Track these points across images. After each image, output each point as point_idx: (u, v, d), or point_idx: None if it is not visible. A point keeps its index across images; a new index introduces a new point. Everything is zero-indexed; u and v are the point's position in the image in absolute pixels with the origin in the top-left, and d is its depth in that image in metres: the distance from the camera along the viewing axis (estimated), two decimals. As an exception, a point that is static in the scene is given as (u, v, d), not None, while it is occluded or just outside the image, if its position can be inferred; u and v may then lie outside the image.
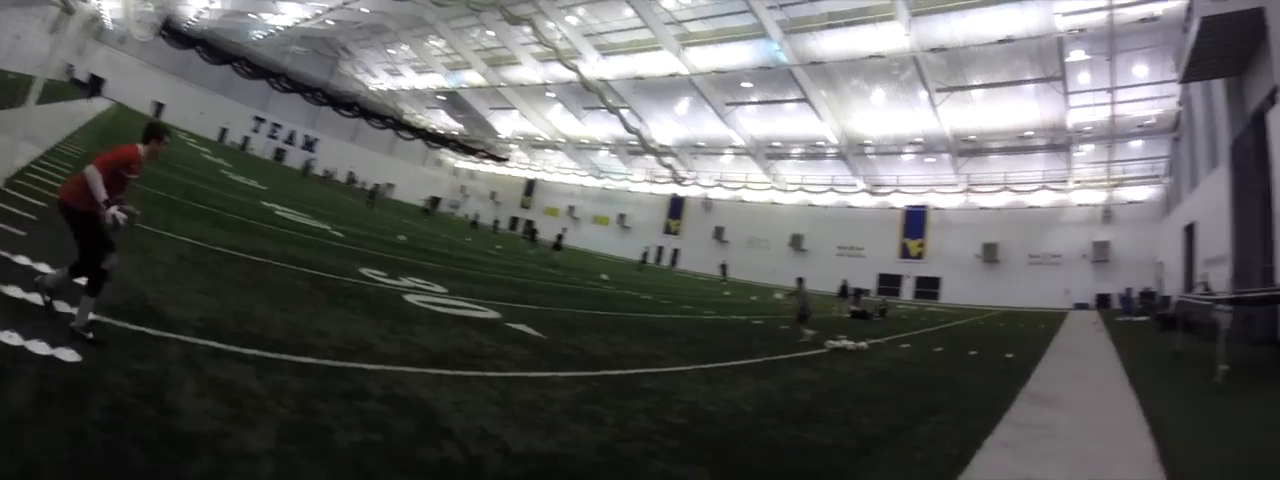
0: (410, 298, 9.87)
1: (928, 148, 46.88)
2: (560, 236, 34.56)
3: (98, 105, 38.83)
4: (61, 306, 4.70)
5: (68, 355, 3.98)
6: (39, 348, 3.95)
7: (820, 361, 11.58)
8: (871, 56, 40.59)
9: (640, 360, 8.90)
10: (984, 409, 8.04)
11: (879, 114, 45.83)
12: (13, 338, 3.96)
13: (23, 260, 5.57)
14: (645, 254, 52.94)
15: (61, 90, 34.22)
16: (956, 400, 8.87)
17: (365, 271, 11.49)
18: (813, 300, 15.93)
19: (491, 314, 10.19)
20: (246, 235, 11.90)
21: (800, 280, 15.24)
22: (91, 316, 4.46)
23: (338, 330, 6.64)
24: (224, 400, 4.03)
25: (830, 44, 41.66)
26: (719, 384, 8.16)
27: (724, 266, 46.90)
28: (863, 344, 13.97)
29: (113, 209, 4.52)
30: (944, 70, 39.87)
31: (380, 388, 5.12)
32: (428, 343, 7.10)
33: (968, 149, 45.53)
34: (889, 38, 38.82)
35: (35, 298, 4.79)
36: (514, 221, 66.00)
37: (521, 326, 9.52)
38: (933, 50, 38.23)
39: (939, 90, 40.92)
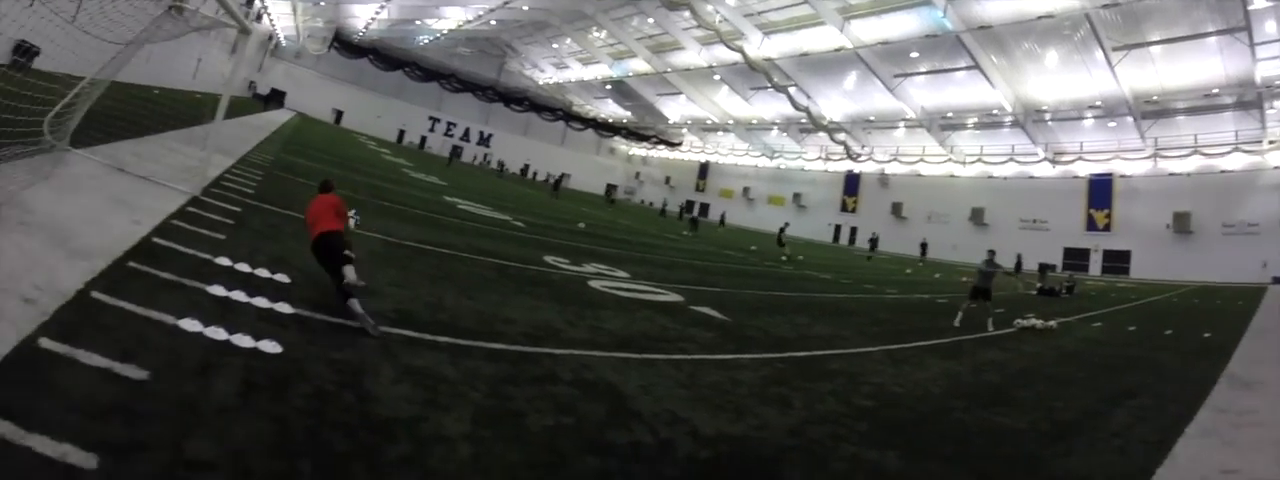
0: (594, 283, 10.07)
1: (1108, 111, 43.27)
2: (782, 230, 30.67)
3: (280, 116, 42.19)
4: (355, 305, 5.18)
5: (270, 347, 4.25)
6: (243, 341, 4.23)
7: (1009, 341, 11.22)
8: (1041, 17, 37.76)
9: (824, 341, 8.80)
10: (1183, 393, 7.63)
11: (1054, 77, 42.73)
12: (218, 333, 4.24)
13: (224, 261, 5.95)
14: (924, 246, 45.61)
15: (245, 105, 37.07)
16: (1153, 383, 8.48)
17: (549, 259, 11.81)
18: (1001, 278, 14.45)
19: (674, 297, 10.26)
20: (432, 229, 12.44)
21: (991, 252, 13.77)
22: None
23: (525, 317, 6.83)
24: (420, 386, 4.21)
25: (996, 7, 39.24)
26: (905, 365, 8.00)
27: (924, 245, 44.09)
28: (1052, 323, 13.37)
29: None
30: (1118, 27, 36.59)
31: (569, 372, 5.22)
32: (613, 327, 7.20)
33: (1151, 111, 41.57)
34: (1056, -5, 35.86)
35: (240, 295, 5.15)
36: (689, 204, 64.74)
37: (705, 309, 9.55)
38: (1104, 6, 35.13)
39: (1115, 49, 37.54)
